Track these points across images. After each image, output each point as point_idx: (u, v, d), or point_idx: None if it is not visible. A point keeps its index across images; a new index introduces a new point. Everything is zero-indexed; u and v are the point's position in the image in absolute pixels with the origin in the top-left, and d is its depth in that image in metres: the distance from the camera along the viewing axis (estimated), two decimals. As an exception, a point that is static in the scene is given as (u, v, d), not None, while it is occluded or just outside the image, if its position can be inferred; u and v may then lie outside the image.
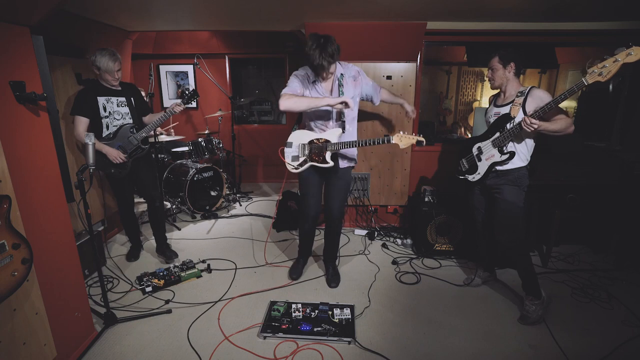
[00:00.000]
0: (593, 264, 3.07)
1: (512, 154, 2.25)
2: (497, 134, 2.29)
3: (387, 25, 3.09)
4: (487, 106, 2.55)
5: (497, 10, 2.77)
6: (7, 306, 1.59)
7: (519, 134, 2.21)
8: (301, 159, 2.54)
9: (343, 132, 2.47)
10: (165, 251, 3.18)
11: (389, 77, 3.43)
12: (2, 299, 1.48)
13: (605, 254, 3.21)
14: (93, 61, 2.58)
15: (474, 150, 2.47)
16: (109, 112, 2.73)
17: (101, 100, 2.67)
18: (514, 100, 2.24)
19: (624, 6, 2.69)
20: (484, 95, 5.75)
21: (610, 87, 3.74)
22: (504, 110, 2.29)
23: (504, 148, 2.28)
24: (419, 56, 3.40)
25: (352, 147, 2.43)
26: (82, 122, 2.61)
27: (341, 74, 2.45)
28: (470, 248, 3.13)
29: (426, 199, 3.23)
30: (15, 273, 1.53)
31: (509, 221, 2.31)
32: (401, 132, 2.35)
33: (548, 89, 5.15)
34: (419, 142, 2.33)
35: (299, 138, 2.55)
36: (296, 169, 2.56)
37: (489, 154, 2.36)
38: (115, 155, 2.68)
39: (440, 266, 3.08)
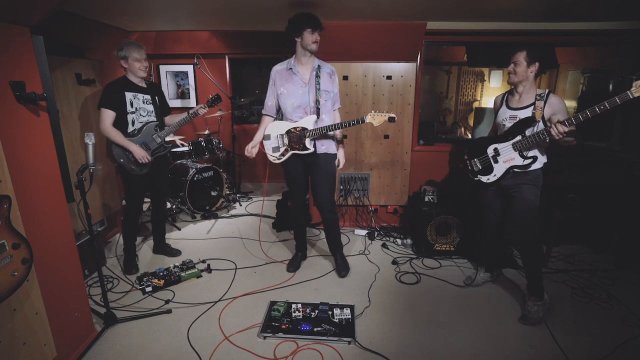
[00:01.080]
0: (593, 264, 3.07)
1: (534, 159, 2.21)
2: (519, 138, 2.24)
3: (387, 25, 3.09)
4: (496, 106, 2.46)
5: (497, 10, 2.77)
6: (7, 306, 1.59)
7: (542, 140, 2.13)
8: (282, 149, 2.62)
9: (318, 117, 2.55)
10: (166, 250, 3.23)
11: (389, 77, 3.43)
12: (2, 299, 1.48)
13: (605, 254, 3.20)
14: (121, 55, 2.61)
15: (489, 151, 2.38)
16: (136, 108, 2.72)
17: (128, 95, 2.67)
18: (534, 103, 2.19)
19: (624, 6, 2.69)
20: (484, 96, 5.75)
21: (611, 87, 3.74)
22: (522, 113, 2.23)
23: (526, 152, 2.23)
24: (419, 56, 3.40)
25: (329, 131, 2.53)
26: (109, 116, 2.61)
27: (318, 66, 2.54)
28: (470, 248, 3.13)
29: (426, 199, 3.23)
30: (15, 273, 1.52)
31: (524, 221, 2.30)
32: (373, 112, 2.48)
33: (548, 89, 5.16)
34: (390, 119, 2.44)
35: (276, 129, 2.63)
36: (278, 159, 2.66)
37: (507, 157, 2.30)
38: (143, 155, 2.68)
39: (440, 266, 3.08)
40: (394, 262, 3.13)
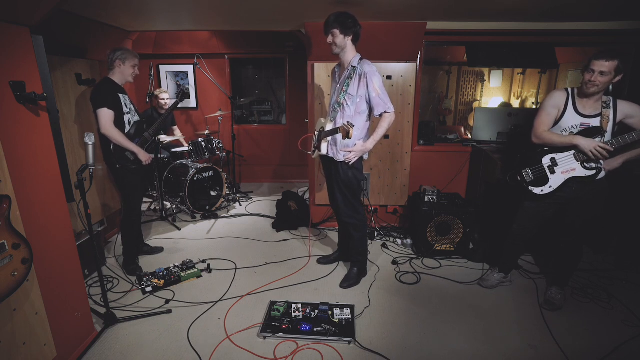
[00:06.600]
0: (593, 264, 3.07)
1: (599, 169, 2.16)
2: None
3: (387, 25, 3.09)
4: (558, 107, 2.23)
5: (497, 10, 2.77)
6: (7, 306, 1.59)
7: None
8: (314, 147, 2.76)
9: (332, 120, 2.54)
10: (143, 249, 3.26)
11: (389, 77, 3.43)
12: (2, 299, 1.48)
13: (605, 254, 3.21)
14: (119, 55, 2.59)
15: (545, 161, 2.29)
16: (129, 109, 2.73)
17: (121, 96, 2.67)
18: (601, 112, 2.12)
19: (624, 6, 2.69)
20: (484, 96, 5.74)
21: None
22: (594, 122, 2.14)
23: (589, 162, 2.17)
24: (419, 56, 3.40)
25: (327, 135, 2.53)
26: (109, 115, 2.53)
27: (352, 67, 2.41)
28: (472, 249, 3.13)
29: (426, 199, 3.23)
30: (15, 273, 1.53)
31: (584, 232, 2.37)
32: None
33: (548, 89, 5.16)
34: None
35: (318, 126, 2.75)
36: (313, 155, 2.80)
37: (567, 167, 2.22)
38: (148, 158, 2.74)
39: (440, 266, 3.08)
40: (394, 262, 3.13)
